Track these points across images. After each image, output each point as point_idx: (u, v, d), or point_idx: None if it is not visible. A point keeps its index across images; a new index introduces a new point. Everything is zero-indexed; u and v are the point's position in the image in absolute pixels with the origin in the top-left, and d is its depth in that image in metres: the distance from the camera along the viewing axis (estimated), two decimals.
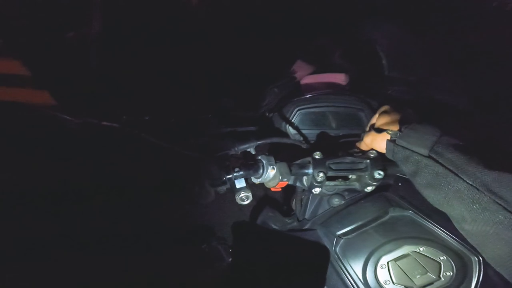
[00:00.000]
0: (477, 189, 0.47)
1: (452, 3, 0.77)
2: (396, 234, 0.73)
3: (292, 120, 0.79)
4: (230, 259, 0.91)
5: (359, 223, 0.76)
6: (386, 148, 0.63)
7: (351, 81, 0.77)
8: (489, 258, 0.51)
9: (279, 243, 0.87)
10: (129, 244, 0.69)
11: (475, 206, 0.47)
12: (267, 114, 0.81)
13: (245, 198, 0.67)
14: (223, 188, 0.67)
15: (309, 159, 0.78)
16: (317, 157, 0.70)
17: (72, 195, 0.59)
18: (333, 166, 0.69)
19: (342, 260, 0.76)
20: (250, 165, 0.67)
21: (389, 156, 0.63)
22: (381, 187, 0.77)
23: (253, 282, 0.84)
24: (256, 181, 0.70)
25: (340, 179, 0.74)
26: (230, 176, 0.65)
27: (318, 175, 0.68)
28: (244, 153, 0.71)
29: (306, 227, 0.86)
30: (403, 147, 0.58)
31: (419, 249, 0.72)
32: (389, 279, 0.73)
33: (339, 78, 0.77)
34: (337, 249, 0.77)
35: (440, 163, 0.52)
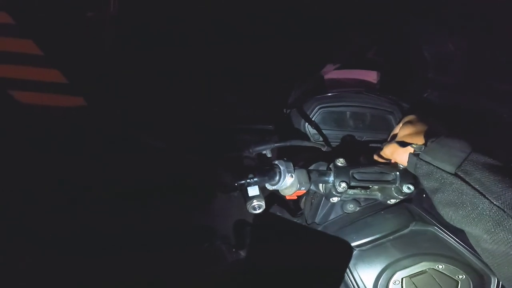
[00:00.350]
0: (504, 210, 0.44)
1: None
2: (415, 249, 0.68)
3: (313, 119, 0.70)
4: (233, 259, 0.86)
5: (377, 235, 0.70)
6: (408, 162, 0.57)
7: (384, 80, 0.68)
8: (505, 278, 0.49)
9: (287, 246, 0.82)
10: (131, 243, 0.64)
11: (499, 227, 0.45)
12: (284, 110, 0.72)
13: (257, 207, 0.60)
14: (233, 194, 0.60)
15: (324, 163, 0.71)
16: (339, 164, 0.63)
17: (76, 195, 0.53)
18: (357, 176, 0.62)
19: (353, 272, 0.72)
20: (266, 170, 0.59)
21: (411, 170, 0.58)
22: (404, 198, 0.71)
23: (256, 283, 0.81)
24: (270, 187, 0.63)
25: (360, 188, 0.67)
26: (243, 182, 0.58)
27: (340, 185, 0.61)
28: (259, 155, 0.63)
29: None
30: (427, 162, 0.53)
31: (437, 267, 0.68)
32: None
33: (370, 76, 0.68)
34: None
35: (467, 182, 0.48)
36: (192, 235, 0.80)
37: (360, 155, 0.67)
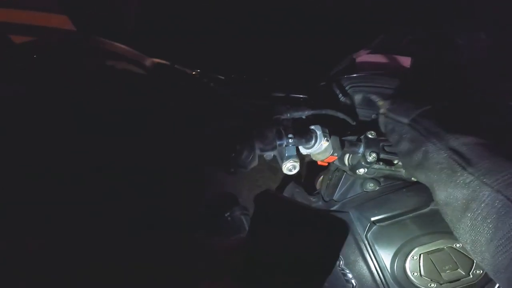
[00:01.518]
0: (443, 150, 0.48)
1: None
2: (434, 227, 0.71)
3: (343, 96, 0.74)
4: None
5: (397, 211, 0.73)
6: (379, 122, 0.63)
7: (416, 67, 0.72)
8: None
9: (306, 220, 0.84)
10: (152, 215, 0.65)
11: (444, 171, 0.47)
12: (318, 87, 0.76)
13: (292, 167, 0.62)
14: (270, 154, 0.63)
15: (351, 137, 0.74)
16: (370, 136, 0.66)
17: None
18: (387, 149, 0.66)
19: (372, 247, 0.74)
20: (304, 133, 0.62)
21: (383, 130, 0.63)
22: None
23: (271, 257, 0.82)
24: (305, 151, 0.65)
25: (385, 164, 0.70)
26: (282, 142, 0.60)
27: (370, 155, 0.64)
28: (294, 120, 0.66)
29: (334, 208, 0.84)
30: (391, 118, 0.59)
31: (455, 245, 0.70)
32: (418, 271, 0.71)
33: (403, 61, 0.72)
34: (369, 235, 0.74)
35: (416, 129, 0.53)
36: (212, 203, 0.81)
37: None
